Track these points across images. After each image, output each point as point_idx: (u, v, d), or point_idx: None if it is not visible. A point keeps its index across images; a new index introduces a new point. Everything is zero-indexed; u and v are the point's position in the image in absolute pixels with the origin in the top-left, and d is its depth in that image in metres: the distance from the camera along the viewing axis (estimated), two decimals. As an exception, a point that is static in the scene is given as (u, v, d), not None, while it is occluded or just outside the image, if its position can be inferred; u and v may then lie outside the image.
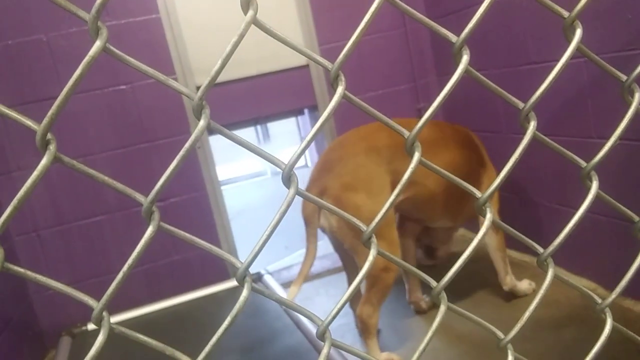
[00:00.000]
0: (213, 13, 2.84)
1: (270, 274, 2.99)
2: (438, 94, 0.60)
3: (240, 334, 2.35)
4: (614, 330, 0.74)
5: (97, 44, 0.48)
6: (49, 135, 0.48)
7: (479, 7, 0.59)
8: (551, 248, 0.68)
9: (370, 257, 0.59)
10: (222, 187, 3.07)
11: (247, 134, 7.19)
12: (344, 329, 2.41)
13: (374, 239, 0.59)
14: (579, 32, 0.65)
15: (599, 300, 0.74)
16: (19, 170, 2.65)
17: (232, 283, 2.87)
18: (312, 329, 2.21)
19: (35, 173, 0.48)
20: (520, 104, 0.65)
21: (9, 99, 2.57)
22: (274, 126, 7.72)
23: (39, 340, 2.71)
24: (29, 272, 0.51)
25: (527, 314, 0.69)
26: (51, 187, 2.70)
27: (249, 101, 3.00)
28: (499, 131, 2.76)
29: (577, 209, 0.69)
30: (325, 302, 2.75)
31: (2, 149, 2.63)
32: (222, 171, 5.42)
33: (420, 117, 0.61)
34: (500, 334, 0.69)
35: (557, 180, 2.45)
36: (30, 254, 2.71)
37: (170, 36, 2.81)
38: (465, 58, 0.60)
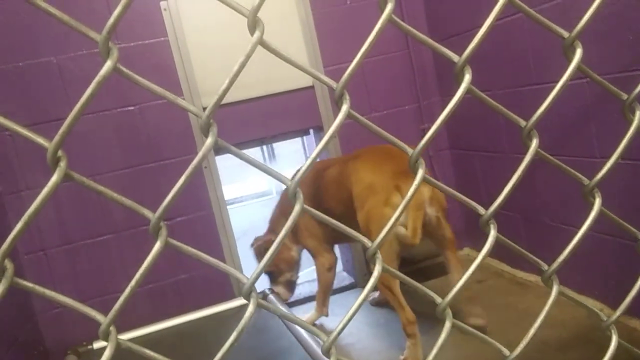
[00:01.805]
0: (220, 36, 2.88)
1: (275, 292, 2.97)
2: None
3: (243, 353, 2.33)
4: (620, 349, 0.73)
5: (108, 64, 0.49)
6: (59, 153, 0.49)
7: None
8: (556, 264, 0.68)
9: (375, 273, 0.60)
10: (228, 207, 3.08)
11: (253, 153, 7.22)
12: (350, 349, 2.39)
13: (378, 255, 0.60)
14: (579, 52, 0.66)
15: (605, 318, 0.73)
16: (27, 189, 2.68)
17: (237, 302, 2.86)
18: (316, 347, 2.19)
19: (46, 190, 0.48)
20: (522, 122, 0.66)
21: (19, 120, 2.54)
22: (280, 146, 7.77)
23: (44, 358, 2.70)
24: (37, 287, 0.51)
25: (532, 331, 0.69)
26: (59, 207, 2.72)
27: (255, 121, 3.02)
28: (502, 151, 2.76)
29: (580, 228, 0.69)
30: (330, 321, 2.73)
31: (11, 169, 2.66)
32: (228, 191, 5.42)
33: (423, 137, 0.62)
34: (505, 351, 0.69)
35: (560, 199, 2.44)
36: (37, 273, 2.72)
37: (178, 59, 2.85)
38: (467, 77, 0.60)
